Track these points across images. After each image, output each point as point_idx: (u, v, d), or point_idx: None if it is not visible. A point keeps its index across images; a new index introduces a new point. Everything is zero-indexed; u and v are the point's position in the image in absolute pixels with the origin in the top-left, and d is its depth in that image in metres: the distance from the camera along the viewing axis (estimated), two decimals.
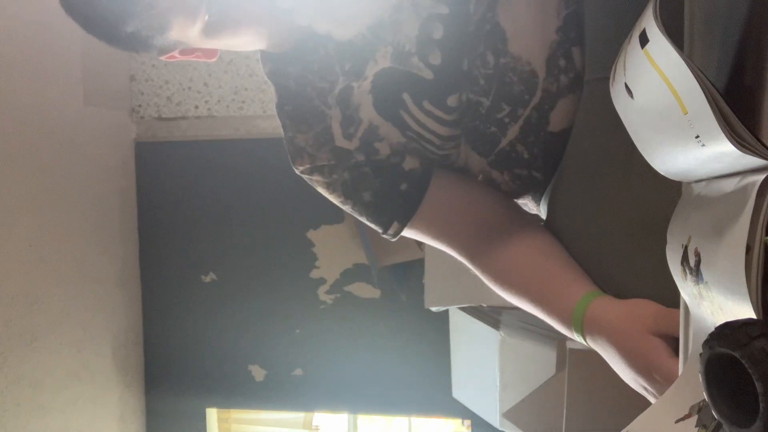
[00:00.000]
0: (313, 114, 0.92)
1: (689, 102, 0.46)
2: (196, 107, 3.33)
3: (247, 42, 0.87)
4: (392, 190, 0.92)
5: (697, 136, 0.47)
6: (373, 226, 0.96)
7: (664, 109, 0.49)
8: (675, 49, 0.46)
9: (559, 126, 0.89)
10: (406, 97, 0.89)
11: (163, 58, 0.88)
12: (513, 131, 0.90)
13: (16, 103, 2.68)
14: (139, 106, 3.39)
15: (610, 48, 0.65)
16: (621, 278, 0.80)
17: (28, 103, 2.73)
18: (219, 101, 3.30)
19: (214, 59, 0.92)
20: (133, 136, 3.39)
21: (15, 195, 2.71)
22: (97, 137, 3.18)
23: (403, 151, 0.92)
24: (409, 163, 0.92)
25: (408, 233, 0.95)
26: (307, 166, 0.93)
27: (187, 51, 0.90)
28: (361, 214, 0.95)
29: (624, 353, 0.75)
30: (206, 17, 0.79)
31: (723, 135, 0.44)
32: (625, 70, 0.55)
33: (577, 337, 0.81)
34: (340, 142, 0.91)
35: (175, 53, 0.88)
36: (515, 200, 0.99)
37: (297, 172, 0.95)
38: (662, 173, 0.59)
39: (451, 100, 0.89)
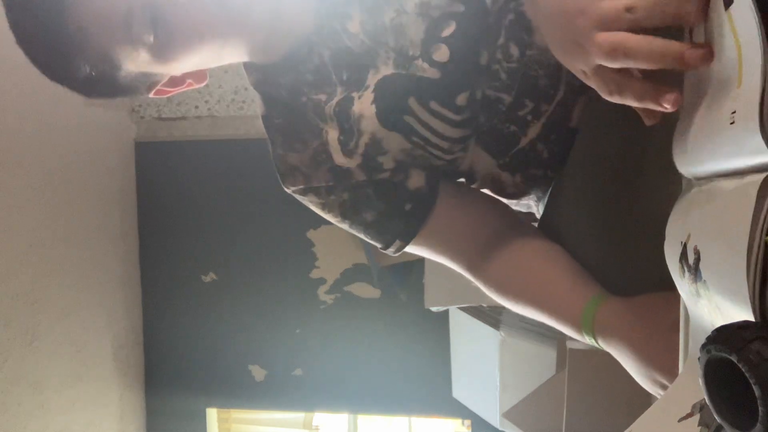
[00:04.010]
0: (307, 129, 0.85)
1: (747, 77, 0.44)
2: (196, 107, 3.33)
3: (213, 57, 0.81)
4: (396, 211, 0.87)
5: (734, 112, 0.46)
6: (372, 242, 0.92)
7: (724, 76, 0.48)
8: (756, 19, 0.43)
9: (577, 122, 0.86)
10: (412, 101, 0.83)
11: (153, 95, 0.84)
12: (534, 129, 0.86)
13: (17, 103, 2.68)
14: (139, 106, 3.39)
15: None
16: (621, 277, 0.79)
17: (28, 103, 2.73)
18: (219, 101, 3.30)
19: (204, 83, 0.87)
20: (133, 136, 3.39)
21: (15, 195, 2.71)
22: (97, 137, 3.18)
23: (407, 163, 0.86)
24: (414, 181, 0.87)
25: (410, 249, 0.92)
26: (301, 186, 0.86)
27: (177, 81, 0.85)
28: (359, 232, 0.91)
29: (640, 352, 0.73)
30: (150, 39, 0.73)
31: (756, 115, 0.42)
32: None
33: (588, 341, 0.79)
34: (340, 160, 0.85)
35: (165, 87, 0.85)
36: (518, 200, 0.97)
37: (287, 191, 0.88)
38: (675, 152, 0.57)
39: (461, 99, 0.83)
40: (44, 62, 0.77)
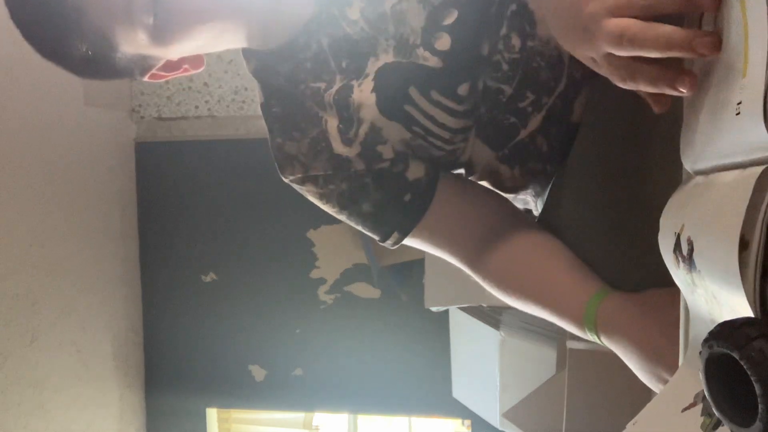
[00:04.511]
0: (306, 117, 0.84)
1: (753, 67, 0.44)
2: (196, 107, 3.33)
3: (212, 42, 0.80)
4: (395, 202, 0.86)
5: (740, 102, 0.45)
6: (370, 234, 0.91)
7: (731, 65, 0.47)
8: (767, 9, 0.43)
9: (579, 116, 0.85)
10: (412, 90, 0.81)
11: (147, 79, 0.83)
12: (535, 122, 0.85)
13: (17, 103, 2.68)
14: (139, 106, 3.39)
15: None
16: (623, 275, 0.78)
17: (28, 103, 2.73)
18: (219, 101, 3.30)
19: (201, 68, 0.86)
20: (133, 136, 3.39)
21: (15, 195, 2.71)
22: (97, 137, 3.18)
23: (406, 153, 0.85)
24: (414, 172, 0.86)
25: (408, 242, 0.91)
26: (299, 175, 0.86)
27: (173, 65, 0.84)
28: (357, 224, 0.90)
29: (644, 348, 0.72)
30: (150, 21, 0.72)
31: (760, 107, 0.42)
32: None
33: (591, 337, 0.78)
34: (339, 149, 0.84)
35: (159, 71, 0.83)
36: (516, 195, 0.96)
37: (285, 180, 0.88)
38: (682, 146, 0.57)
39: (462, 89, 0.81)
40: (39, 40, 0.75)
